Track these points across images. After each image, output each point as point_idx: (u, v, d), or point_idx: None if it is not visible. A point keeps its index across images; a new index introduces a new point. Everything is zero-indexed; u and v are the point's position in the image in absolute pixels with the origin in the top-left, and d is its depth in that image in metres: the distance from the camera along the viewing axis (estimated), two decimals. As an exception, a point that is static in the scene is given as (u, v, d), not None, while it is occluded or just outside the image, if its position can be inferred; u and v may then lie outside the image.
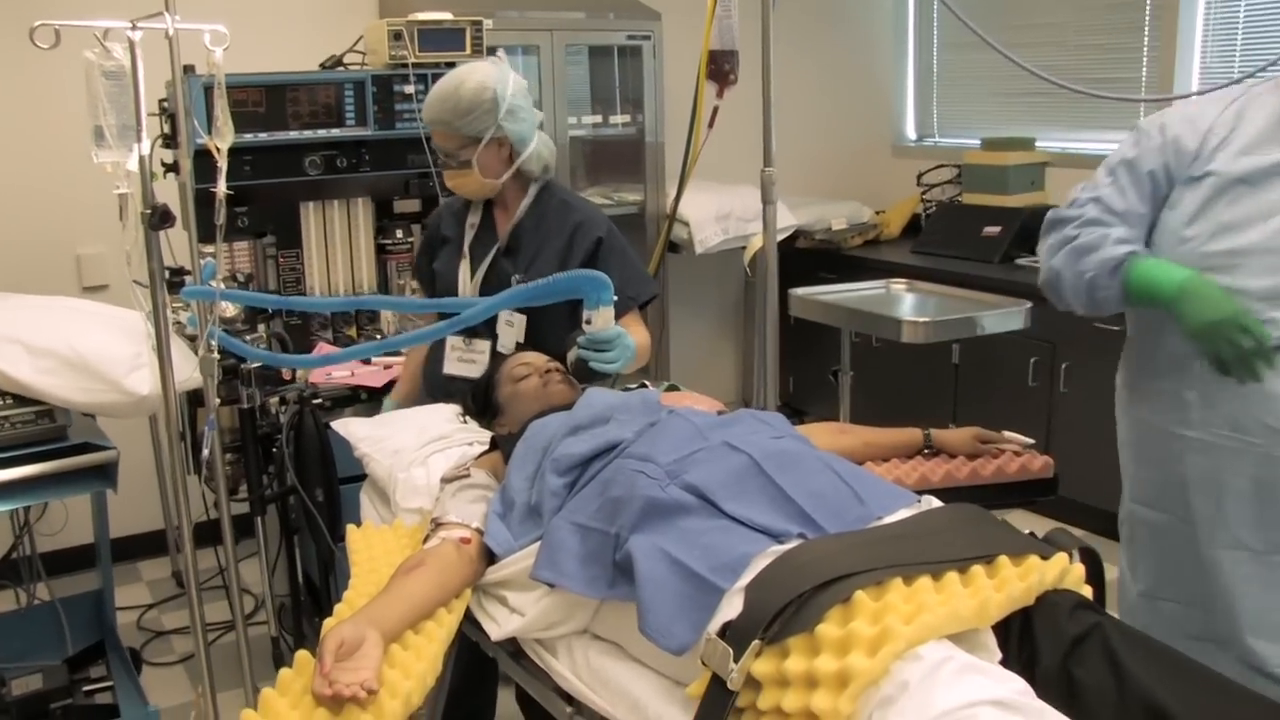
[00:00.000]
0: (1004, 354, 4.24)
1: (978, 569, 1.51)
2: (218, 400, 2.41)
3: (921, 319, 3.28)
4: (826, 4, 5.43)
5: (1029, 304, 3.36)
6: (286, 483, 2.91)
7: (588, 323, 2.29)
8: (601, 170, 4.82)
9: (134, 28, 2.17)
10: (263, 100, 3.16)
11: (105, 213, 3.37)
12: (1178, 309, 1.97)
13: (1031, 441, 2.39)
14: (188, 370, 2.56)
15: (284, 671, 1.58)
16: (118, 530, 3.47)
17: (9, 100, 3.81)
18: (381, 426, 2.47)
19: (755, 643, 1.40)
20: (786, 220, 4.75)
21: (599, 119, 4.62)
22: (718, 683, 1.42)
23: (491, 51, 3.39)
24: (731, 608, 1.48)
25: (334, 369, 3.06)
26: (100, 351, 2.74)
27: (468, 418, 2.42)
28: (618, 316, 2.33)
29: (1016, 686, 1.32)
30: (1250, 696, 1.42)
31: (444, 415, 2.46)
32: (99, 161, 2.22)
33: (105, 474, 2.67)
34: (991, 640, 1.45)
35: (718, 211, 4.67)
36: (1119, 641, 1.44)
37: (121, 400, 2.74)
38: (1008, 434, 2.39)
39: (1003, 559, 1.52)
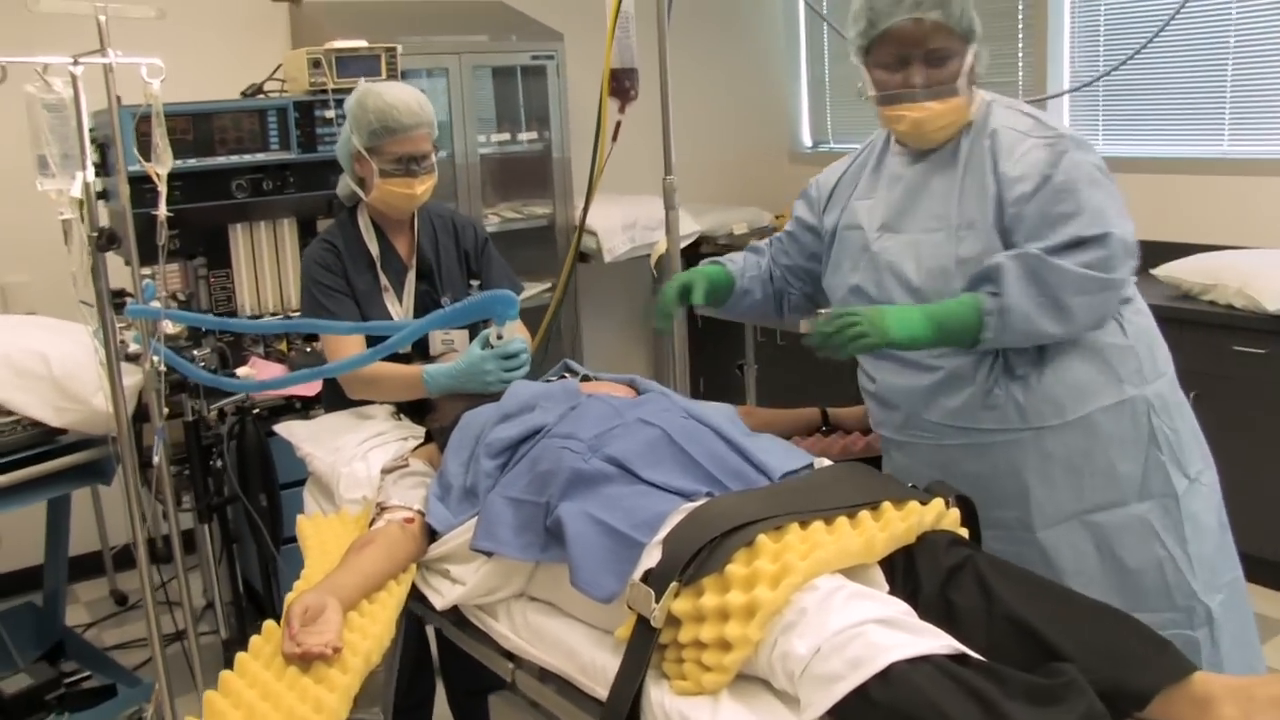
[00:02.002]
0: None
1: (864, 514, 1.73)
2: (166, 410, 2.55)
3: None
4: (722, 20, 5.66)
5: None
6: (229, 491, 3.04)
7: (499, 338, 2.42)
8: (510, 186, 4.98)
9: (76, 62, 2.31)
10: (190, 128, 3.30)
11: (29, 240, 3.46)
12: None
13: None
14: (137, 386, 2.69)
15: (254, 638, 1.75)
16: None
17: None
18: (321, 428, 2.63)
19: (673, 584, 1.59)
20: (690, 227, 4.97)
21: (506, 136, 4.80)
22: (642, 623, 1.62)
23: (405, 76, 3.56)
24: (651, 558, 1.67)
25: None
26: (71, 370, 2.81)
27: (402, 415, 2.60)
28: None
29: (899, 608, 1.54)
30: (1090, 602, 1.65)
31: (379, 414, 2.64)
32: (43, 189, 2.34)
33: (100, 470, 2.78)
34: (879, 576, 1.67)
35: (624, 221, 4.87)
36: (987, 570, 1.66)
37: (89, 417, 2.81)
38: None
39: (886, 504, 1.75)
